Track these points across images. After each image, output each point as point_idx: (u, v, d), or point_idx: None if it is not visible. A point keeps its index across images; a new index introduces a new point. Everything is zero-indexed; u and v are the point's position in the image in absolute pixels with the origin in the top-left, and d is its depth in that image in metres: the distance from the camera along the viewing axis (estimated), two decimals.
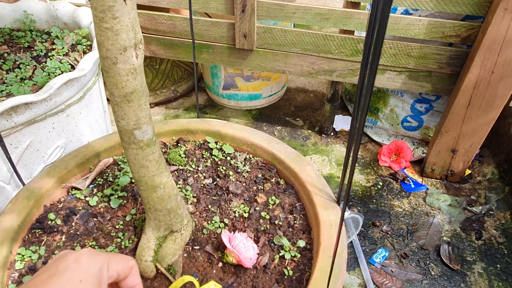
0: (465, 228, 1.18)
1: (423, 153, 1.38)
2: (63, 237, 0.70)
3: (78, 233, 0.71)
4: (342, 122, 1.61)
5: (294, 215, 0.75)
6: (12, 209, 0.70)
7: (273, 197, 0.78)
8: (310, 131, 1.58)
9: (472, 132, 1.19)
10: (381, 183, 1.34)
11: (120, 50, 0.44)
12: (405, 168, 1.39)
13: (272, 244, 0.70)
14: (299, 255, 0.68)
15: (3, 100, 0.74)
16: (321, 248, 0.64)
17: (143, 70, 0.49)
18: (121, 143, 0.83)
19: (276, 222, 0.73)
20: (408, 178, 1.35)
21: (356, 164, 1.43)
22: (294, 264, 0.67)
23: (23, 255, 0.64)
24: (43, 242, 0.68)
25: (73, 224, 0.73)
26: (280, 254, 0.68)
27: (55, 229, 0.71)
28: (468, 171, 1.37)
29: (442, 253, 1.09)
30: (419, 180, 1.35)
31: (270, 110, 1.70)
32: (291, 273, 0.65)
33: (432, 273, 1.06)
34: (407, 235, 1.16)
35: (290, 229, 0.73)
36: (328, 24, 1.13)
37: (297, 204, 0.77)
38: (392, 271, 1.05)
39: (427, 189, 1.31)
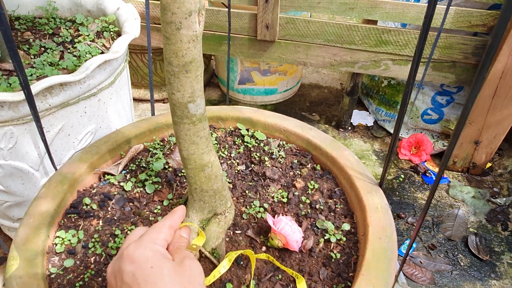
0: (490, 219, 1.17)
1: (443, 146, 1.37)
2: (100, 221, 0.68)
3: (115, 217, 0.69)
4: (359, 117, 1.60)
5: (334, 199, 0.74)
6: (47, 194, 0.68)
7: (312, 182, 0.76)
8: (327, 126, 1.57)
9: (497, 123, 1.18)
10: (402, 176, 1.32)
11: (185, 14, 0.43)
12: (425, 161, 1.38)
13: (315, 228, 0.68)
14: (344, 239, 0.66)
15: (34, 83, 0.72)
16: (369, 230, 0.63)
17: (201, 39, 0.48)
18: (150, 130, 0.81)
19: (317, 206, 0.72)
20: (429, 171, 1.34)
21: (376, 158, 1.42)
22: (340, 248, 0.65)
23: (63, 238, 0.62)
24: (81, 227, 0.66)
25: (109, 209, 0.71)
26: (325, 238, 0.66)
27: (91, 214, 0.69)
28: (488, 164, 1.36)
29: (470, 244, 1.08)
30: None
31: (286, 105, 1.69)
32: (338, 256, 0.64)
33: (461, 263, 1.04)
34: (433, 226, 1.15)
35: (332, 214, 0.71)
36: (353, 14, 1.13)
37: (336, 189, 0.76)
38: (421, 262, 1.04)
39: (449, 181, 1.30)
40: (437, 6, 1.07)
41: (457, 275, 1.01)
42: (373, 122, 1.57)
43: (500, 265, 1.04)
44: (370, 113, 1.61)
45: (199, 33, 0.46)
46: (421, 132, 1.44)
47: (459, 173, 1.34)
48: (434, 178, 1.31)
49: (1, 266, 1.08)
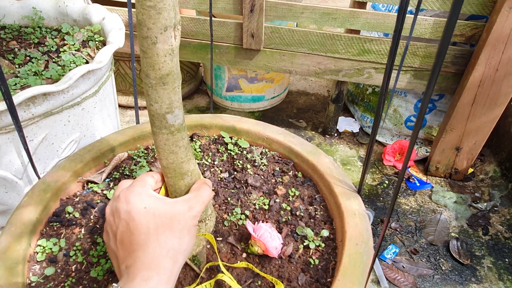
0: (471, 224, 1.20)
1: (426, 152, 1.40)
2: (82, 229, 0.69)
3: (98, 225, 0.69)
4: (345, 123, 1.63)
5: (315, 206, 0.75)
6: (29, 202, 0.69)
7: (293, 189, 0.78)
8: (313, 132, 1.59)
9: (477, 130, 1.21)
10: (386, 182, 1.35)
11: (161, 30, 0.44)
12: (409, 167, 1.41)
13: (295, 234, 0.70)
14: (323, 245, 0.68)
15: (18, 92, 0.72)
16: (347, 236, 0.64)
17: (178, 52, 0.49)
18: (134, 138, 0.83)
19: (297, 213, 0.73)
20: (413, 177, 1.36)
21: (361, 164, 1.44)
22: (319, 254, 0.67)
23: (44, 247, 0.63)
24: (62, 235, 0.67)
25: (92, 217, 0.71)
26: (305, 244, 0.68)
27: (74, 222, 0.69)
28: (470, 170, 1.39)
29: (451, 248, 1.10)
30: (424, 178, 1.37)
31: (273, 112, 1.71)
32: (316, 262, 0.65)
33: (443, 268, 1.06)
34: (416, 231, 1.17)
35: (312, 220, 0.73)
36: (336, 23, 1.15)
37: (316, 196, 0.77)
38: (404, 267, 1.05)
39: (432, 187, 1.33)
40: (417, 16, 1.10)
41: (439, 279, 1.03)
42: (359, 129, 1.60)
43: (481, 269, 1.06)
44: (356, 120, 1.64)
45: (175, 47, 0.47)
46: (405, 139, 1.47)
47: (442, 179, 1.36)
48: (417, 184, 1.34)
49: None
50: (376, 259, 1.07)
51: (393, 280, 1.02)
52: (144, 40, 0.45)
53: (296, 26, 1.54)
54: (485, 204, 1.26)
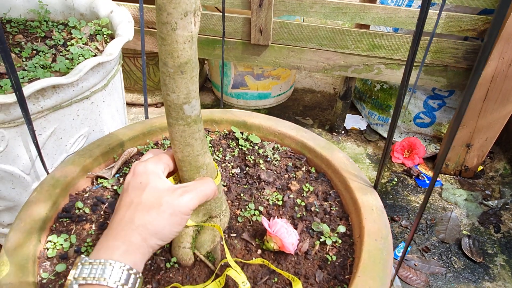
0: (483, 221, 1.18)
1: (436, 149, 1.39)
2: (93, 225, 0.67)
3: (108, 221, 0.68)
4: (352, 121, 1.61)
5: (329, 202, 0.74)
6: (38, 198, 0.67)
7: (307, 185, 0.76)
8: (320, 130, 1.58)
9: (488, 126, 1.19)
10: (396, 179, 1.33)
11: (181, 15, 0.42)
12: (418, 164, 1.39)
13: (310, 230, 0.68)
14: (340, 241, 0.66)
15: (26, 85, 0.71)
16: (365, 232, 0.63)
17: (196, 40, 0.47)
18: (143, 133, 0.81)
19: (312, 209, 0.72)
20: (422, 174, 1.34)
21: (369, 161, 1.43)
22: (336, 250, 0.65)
23: (54, 243, 0.61)
24: (73, 231, 0.65)
25: (102, 213, 0.70)
26: (321, 240, 0.66)
27: (84, 218, 0.68)
28: (480, 167, 1.38)
29: (463, 246, 1.09)
30: None
31: (279, 109, 1.70)
32: (334, 258, 0.63)
33: (455, 266, 1.05)
34: (427, 229, 1.15)
35: (327, 216, 0.71)
36: (346, 18, 1.14)
37: (331, 192, 0.76)
38: (416, 265, 1.04)
39: (442, 184, 1.31)
40: (428, 11, 1.09)
41: (451, 277, 1.01)
42: (366, 126, 1.58)
43: (493, 267, 1.05)
44: (363, 117, 1.62)
45: (194, 34, 0.46)
46: (413, 136, 1.46)
47: (451, 176, 1.35)
48: (427, 181, 1.32)
49: None
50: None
51: (405, 279, 1.00)
52: (164, 26, 0.43)
53: (303, 21, 1.53)
54: (496, 201, 1.24)
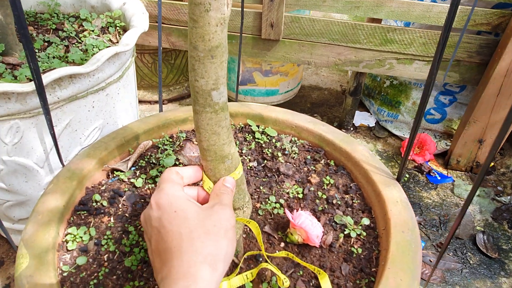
0: (496, 217, 1.17)
1: (446, 146, 1.38)
2: (112, 218, 0.65)
3: (127, 214, 0.66)
4: (360, 118, 1.60)
5: (351, 194, 0.72)
6: (55, 190, 0.66)
7: (327, 177, 0.75)
8: None
9: (501, 122, 1.18)
10: (407, 176, 1.32)
11: None
12: (428, 161, 1.38)
13: (333, 223, 0.67)
14: (364, 233, 0.65)
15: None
16: (391, 224, 0.62)
17: (227, 24, 0.46)
18: (158, 126, 0.80)
19: (334, 201, 0.70)
20: (433, 171, 1.33)
21: (380, 158, 1.41)
22: (360, 243, 0.64)
23: (74, 235, 0.59)
24: (91, 224, 0.64)
25: (120, 205, 0.68)
26: (345, 233, 0.65)
27: (102, 211, 0.66)
28: (491, 163, 1.37)
29: (478, 242, 1.08)
30: (444, 172, 1.34)
31: (287, 106, 1.68)
32: (359, 251, 0.62)
33: (471, 262, 1.04)
34: (440, 225, 1.14)
35: (349, 209, 0.70)
36: (359, 12, 1.13)
37: (351, 184, 0.75)
38: (431, 261, 1.03)
39: (453, 180, 1.30)
40: (442, 4, 1.08)
41: (467, 273, 1.00)
42: (375, 123, 1.57)
43: (509, 262, 1.04)
44: (371, 114, 1.61)
45: (227, 16, 0.44)
46: (424, 132, 1.45)
47: (463, 173, 1.34)
48: (438, 178, 1.31)
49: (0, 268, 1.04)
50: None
51: (421, 274, 0.99)
52: (196, 7, 0.42)
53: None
54: (508, 197, 1.23)
